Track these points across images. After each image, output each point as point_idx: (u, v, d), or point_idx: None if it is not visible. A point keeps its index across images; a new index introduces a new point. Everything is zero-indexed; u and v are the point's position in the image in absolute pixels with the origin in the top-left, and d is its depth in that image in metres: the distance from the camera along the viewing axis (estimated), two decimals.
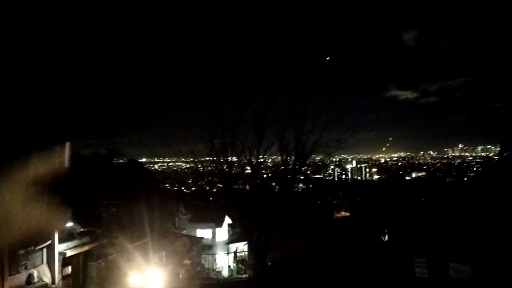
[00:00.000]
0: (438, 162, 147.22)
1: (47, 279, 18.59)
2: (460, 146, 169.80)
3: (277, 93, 24.38)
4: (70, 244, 19.98)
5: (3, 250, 15.52)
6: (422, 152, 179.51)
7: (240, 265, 32.54)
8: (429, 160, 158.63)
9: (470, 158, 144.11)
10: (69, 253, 19.71)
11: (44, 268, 18.70)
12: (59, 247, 19.23)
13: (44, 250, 18.86)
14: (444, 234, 22.57)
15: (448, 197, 36.37)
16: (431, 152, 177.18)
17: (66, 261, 19.73)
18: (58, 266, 19.13)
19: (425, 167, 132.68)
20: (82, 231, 21.67)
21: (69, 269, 20.24)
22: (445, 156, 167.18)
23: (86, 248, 21.05)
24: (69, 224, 20.60)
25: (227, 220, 35.35)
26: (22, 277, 17.40)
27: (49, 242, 18.86)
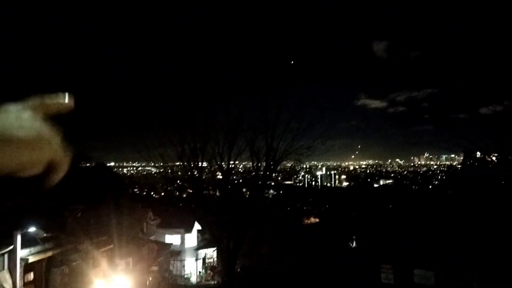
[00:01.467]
0: (405, 170, 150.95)
1: (7, 285, 18.00)
2: (426, 154, 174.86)
3: (249, 99, 24.54)
4: (32, 249, 19.40)
5: None
6: (390, 160, 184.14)
7: (209, 271, 32.35)
8: (397, 168, 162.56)
9: (435, 166, 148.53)
10: (32, 259, 19.14)
11: (5, 274, 18.09)
12: (21, 253, 18.65)
13: (5, 256, 18.26)
14: (409, 240, 23.12)
15: (414, 204, 37.29)
16: (399, 160, 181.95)
17: (28, 267, 19.15)
18: (20, 272, 18.55)
19: (392, 175, 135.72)
20: (45, 236, 21.07)
21: (31, 276, 19.66)
22: (412, 164, 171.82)
23: (49, 254, 20.48)
24: (32, 229, 20.03)
25: (197, 226, 35.09)
26: None
27: (11, 247, 18.28)
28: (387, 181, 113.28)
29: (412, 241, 22.74)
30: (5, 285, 17.85)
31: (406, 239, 23.33)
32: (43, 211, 21.88)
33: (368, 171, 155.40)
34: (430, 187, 72.62)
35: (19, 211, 20.35)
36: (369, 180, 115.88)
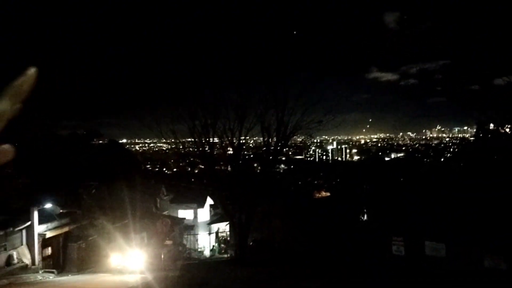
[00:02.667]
0: (416, 143, 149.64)
1: (26, 260, 18.51)
2: (438, 127, 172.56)
3: (259, 74, 24.38)
4: (49, 225, 19.87)
5: None
6: (401, 133, 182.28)
7: (222, 245, 32.85)
8: (408, 141, 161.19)
9: (447, 139, 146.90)
10: (49, 234, 19.63)
11: (24, 249, 18.59)
12: (38, 228, 19.11)
13: (24, 231, 18.73)
14: (421, 213, 23.12)
15: (425, 177, 37.15)
16: (410, 133, 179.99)
17: (46, 242, 19.65)
18: (38, 247, 19.06)
19: (404, 148, 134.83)
20: (61, 212, 21.54)
21: (49, 250, 20.19)
22: (423, 137, 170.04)
23: (66, 229, 20.96)
24: (49, 205, 20.45)
25: (209, 201, 35.50)
26: (1, 258, 17.28)
27: (29, 223, 18.72)
28: (399, 155, 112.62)
29: (424, 214, 22.74)
30: (24, 259, 18.36)
31: (417, 212, 23.34)
32: (59, 188, 22.27)
33: (379, 145, 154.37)
34: (442, 160, 72.04)
35: (35, 188, 20.76)
36: (380, 153, 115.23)
